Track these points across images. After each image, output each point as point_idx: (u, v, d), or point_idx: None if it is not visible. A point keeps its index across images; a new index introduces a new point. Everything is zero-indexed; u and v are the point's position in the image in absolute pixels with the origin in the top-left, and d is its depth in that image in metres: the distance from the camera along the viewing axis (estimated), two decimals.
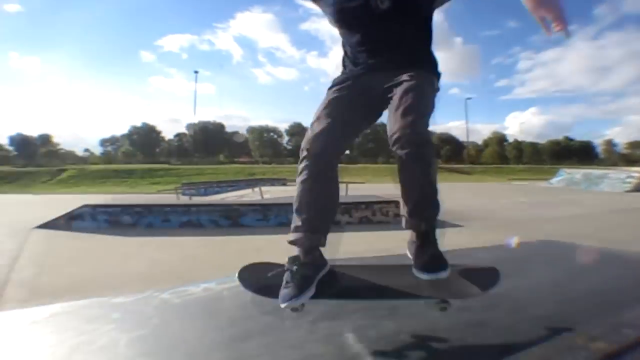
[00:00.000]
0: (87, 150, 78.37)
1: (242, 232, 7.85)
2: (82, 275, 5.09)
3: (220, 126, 71.09)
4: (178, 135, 75.43)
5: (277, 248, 2.43)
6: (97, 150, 77.43)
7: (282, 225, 7.80)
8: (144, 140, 71.77)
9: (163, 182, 31.86)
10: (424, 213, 1.84)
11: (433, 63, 2.09)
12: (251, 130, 74.23)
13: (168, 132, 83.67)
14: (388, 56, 2.02)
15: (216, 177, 31.26)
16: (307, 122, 2.06)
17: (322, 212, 1.88)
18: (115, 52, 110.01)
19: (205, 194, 18.66)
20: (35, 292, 4.30)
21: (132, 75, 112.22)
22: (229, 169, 44.04)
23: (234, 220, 8.51)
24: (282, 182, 24.11)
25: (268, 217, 8.54)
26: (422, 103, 1.85)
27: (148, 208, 8.49)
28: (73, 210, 8.96)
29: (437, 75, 2.07)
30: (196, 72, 71.71)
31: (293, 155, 54.53)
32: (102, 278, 4.95)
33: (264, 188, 17.47)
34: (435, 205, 1.84)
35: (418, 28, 2.07)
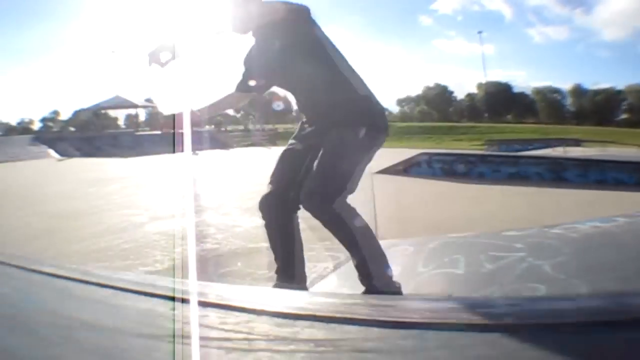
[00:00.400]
0: (385, 109, 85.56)
1: (565, 185, 7.64)
2: (447, 213, 5.41)
3: (507, 86, 67.80)
4: (469, 95, 75.13)
5: (606, 203, 2.38)
6: (394, 110, 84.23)
7: (600, 182, 7.68)
8: (439, 100, 74.27)
9: (465, 139, 32.26)
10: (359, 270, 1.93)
11: (350, 112, 1.95)
12: (536, 91, 68.86)
13: (457, 92, 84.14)
14: (309, 113, 2.07)
15: (515, 136, 30.44)
16: (585, 84, 1.97)
17: (288, 261, 2.06)
18: (395, 19, 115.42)
19: (507, 151, 18.84)
20: (404, 227, 4.49)
21: (416, 39, 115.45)
22: (525, 129, 41.97)
23: (556, 173, 8.48)
24: (577, 142, 22.46)
25: (587, 174, 8.22)
26: (327, 173, 1.86)
27: (481, 158, 9.10)
28: (411, 158, 9.86)
29: (363, 120, 1.96)
30: (480, 32, 69.02)
31: (576, 117, 52.84)
32: (463, 217, 5.16)
33: (558, 148, 17.34)
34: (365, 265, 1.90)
35: (324, 76, 1.97)
